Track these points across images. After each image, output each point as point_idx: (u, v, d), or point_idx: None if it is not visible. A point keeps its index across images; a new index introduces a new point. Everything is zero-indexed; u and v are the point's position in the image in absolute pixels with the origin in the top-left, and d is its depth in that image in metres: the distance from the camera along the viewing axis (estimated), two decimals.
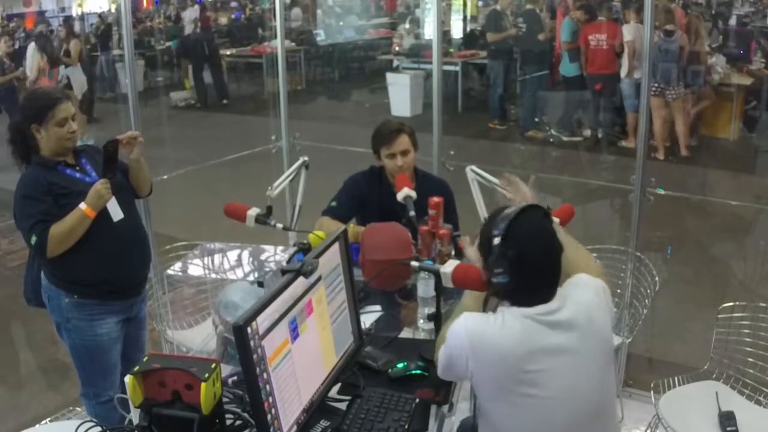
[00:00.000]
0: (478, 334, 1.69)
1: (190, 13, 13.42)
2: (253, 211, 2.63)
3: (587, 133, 8.10)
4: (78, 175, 2.54)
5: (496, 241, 1.68)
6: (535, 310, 1.69)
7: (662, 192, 3.27)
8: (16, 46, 11.08)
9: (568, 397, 1.68)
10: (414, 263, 2.20)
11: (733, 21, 8.73)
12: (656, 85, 6.90)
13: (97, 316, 2.59)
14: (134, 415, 1.64)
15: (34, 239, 2.40)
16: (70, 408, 2.86)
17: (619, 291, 3.24)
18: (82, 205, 2.42)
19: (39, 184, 2.43)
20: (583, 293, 1.77)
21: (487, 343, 1.67)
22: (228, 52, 12.65)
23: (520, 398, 1.67)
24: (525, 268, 1.67)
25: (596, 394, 1.73)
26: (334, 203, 2.95)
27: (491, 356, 1.67)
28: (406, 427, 1.78)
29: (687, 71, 6.98)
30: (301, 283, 1.73)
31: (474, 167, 2.89)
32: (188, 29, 12.69)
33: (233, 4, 16.81)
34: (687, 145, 7.09)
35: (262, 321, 1.55)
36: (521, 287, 1.69)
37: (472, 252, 1.86)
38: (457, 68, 9.62)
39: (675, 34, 6.80)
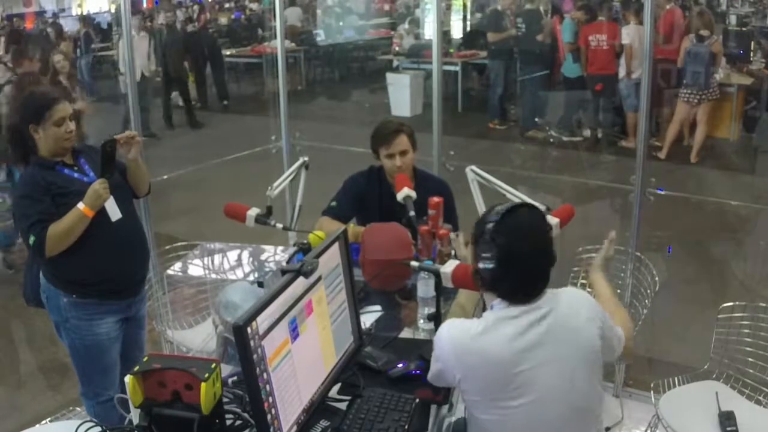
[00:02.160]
0: (461, 346, 1.69)
1: (163, 18, 13.35)
2: (253, 211, 2.63)
3: (587, 133, 8.10)
4: (76, 174, 2.54)
5: (489, 226, 1.70)
6: (518, 309, 1.70)
7: (662, 192, 3.28)
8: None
9: (551, 397, 1.68)
10: (414, 263, 2.20)
11: (733, 21, 8.72)
12: (686, 90, 6.94)
13: (95, 316, 2.59)
14: (134, 415, 1.64)
15: (32, 239, 2.40)
16: (70, 408, 2.87)
17: (619, 291, 3.25)
18: (80, 205, 2.42)
19: (37, 184, 2.44)
20: (576, 303, 1.78)
21: (472, 354, 1.68)
22: (228, 52, 12.64)
23: (507, 402, 1.68)
24: (512, 258, 1.68)
25: (579, 396, 1.73)
26: (334, 203, 2.95)
27: (477, 366, 1.68)
28: (406, 427, 1.78)
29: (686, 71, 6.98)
30: (301, 283, 1.73)
31: (474, 167, 2.89)
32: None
33: (227, 5, 16.80)
34: (699, 152, 7.10)
35: (262, 321, 1.55)
36: (507, 277, 1.70)
37: (464, 250, 1.87)
38: (457, 68, 9.62)
39: (708, 39, 6.79)
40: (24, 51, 5.56)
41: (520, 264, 1.69)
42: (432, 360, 1.81)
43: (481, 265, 1.72)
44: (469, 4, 11.61)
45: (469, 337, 1.69)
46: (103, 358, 2.65)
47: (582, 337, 1.74)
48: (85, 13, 17.07)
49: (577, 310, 1.77)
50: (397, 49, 11.04)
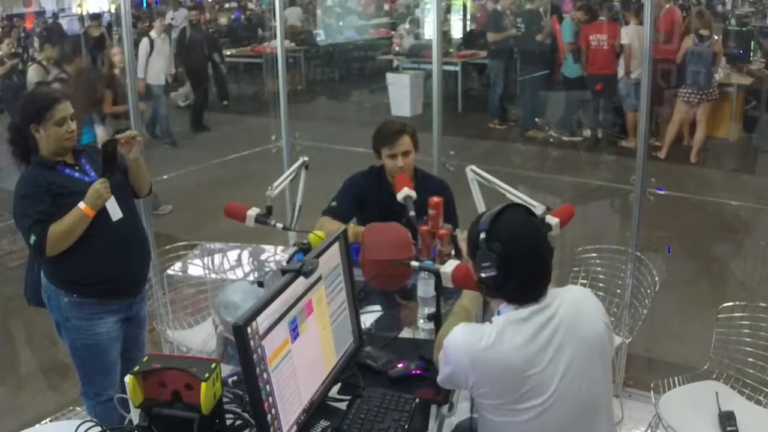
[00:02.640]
0: (476, 351, 1.70)
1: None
2: (253, 211, 2.63)
3: (587, 133, 8.10)
4: (77, 174, 2.54)
5: (482, 236, 1.72)
6: (527, 310, 1.71)
7: (662, 192, 3.27)
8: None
9: (563, 395, 1.69)
10: (414, 263, 2.20)
11: (732, 21, 8.72)
12: (686, 90, 6.95)
13: (96, 316, 2.59)
14: (134, 415, 1.64)
15: (33, 239, 2.41)
16: (70, 408, 2.87)
17: (619, 291, 3.25)
18: (81, 205, 2.42)
19: (38, 183, 2.44)
20: (579, 300, 1.80)
21: (486, 356, 1.68)
22: (228, 52, 12.63)
23: (520, 404, 1.69)
24: (511, 260, 1.70)
25: (591, 393, 1.74)
26: (334, 203, 2.95)
27: (493, 371, 1.69)
28: (406, 427, 1.78)
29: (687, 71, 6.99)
30: (301, 283, 1.73)
31: (474, 167, 2.89)
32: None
33: (227, 5, 16.76)
34: (698, 152, 7.12)
35: (262, 321, 1.55)
36: (511, 280, 1.71)
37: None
38: (457, 68, 9.62)
39: (709, 39, 6.80)
40: (77, 50, 5.61)
41: (520, 263, 1.70)
42: (441, 363, 1.81)
43: (483, 275, 1.74)
44: (469, 5, 11.61)
45: (482, 346, 1.69)
46: (103, 357, 2.65)
47: (588, 331, 1.75)
48: (84, 12, 17.03)
49: (581, 306, 1.79)
50: (397, 49, 11.04)
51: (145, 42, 8.36)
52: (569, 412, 1.71)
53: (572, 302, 1.78)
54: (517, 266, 1.70)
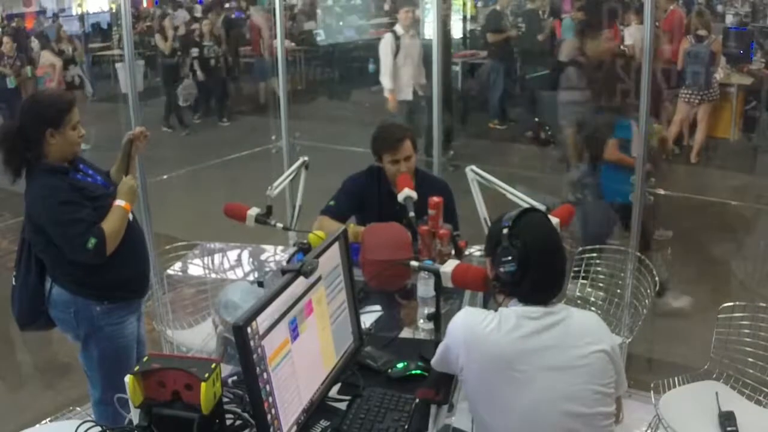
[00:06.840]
0: (472, 329, 1.72)
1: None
2: (253, 211, 2.64)
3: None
4: (89, 179, 2.53)
5: (504, 231, 1.75)
6: (536, 311, 1.72)
7: (662, 192, 3.28)
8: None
9: (547, 401, 1.67)
10: (414, 263, 2.21)
11: (733, 20, 8.72)
12: (686, 91, 6.94)
13: (124, 318, 2.61)
14: (134, 415, 1.64)
15: (93, 241, 2.35)
16: (70, 408, 2.87)
17: (619, 291, 3.25)
18: (121, 202, 2.44)
19: (68, 189, 2.38)
20: (588, 323, 1.80)
21: (480, 339, 1.70)
22: None
23: (506, 398, 1.69)
24: (530, 257, 1.72)
25: (581, 403, 1.70)
26: (332, 202, 2.96)
27: (482, 352, 1.70)
28: (406, 427, 1.78)
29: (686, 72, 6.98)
30: (301, 283, 1.73)
31: (474, 167, 2.89)
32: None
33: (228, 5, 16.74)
34: (698, 152, 7.13)
35: (262, 321, 1.55)
36: (527, 278, 1.72)
37: None
38: (457, 68, 9.60)
39: (707, 39, 6.80)
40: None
41: (538, 261, 1.73)
42: (441, 342, 1.83)
43: (502, 269, 1.75)
44: (469, 4, 11.60)
45: (482, 327, 1.71)
46: (130, 359, 2.66)
47: (586, 350, 1.72)
48: (84, 12, 17.02)
49: (588, 326, 1.78)
50: None
51: (389, 39, 6.16)
52: (557, 418, 1.68)
53: (582, 318, 1.78)
54: (536, 263, 1.72)
